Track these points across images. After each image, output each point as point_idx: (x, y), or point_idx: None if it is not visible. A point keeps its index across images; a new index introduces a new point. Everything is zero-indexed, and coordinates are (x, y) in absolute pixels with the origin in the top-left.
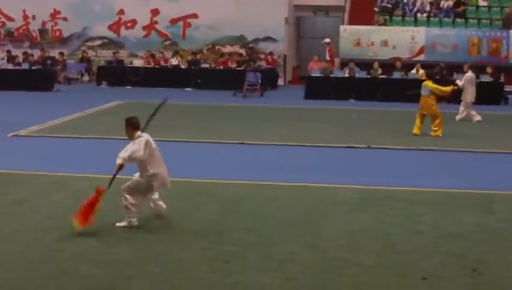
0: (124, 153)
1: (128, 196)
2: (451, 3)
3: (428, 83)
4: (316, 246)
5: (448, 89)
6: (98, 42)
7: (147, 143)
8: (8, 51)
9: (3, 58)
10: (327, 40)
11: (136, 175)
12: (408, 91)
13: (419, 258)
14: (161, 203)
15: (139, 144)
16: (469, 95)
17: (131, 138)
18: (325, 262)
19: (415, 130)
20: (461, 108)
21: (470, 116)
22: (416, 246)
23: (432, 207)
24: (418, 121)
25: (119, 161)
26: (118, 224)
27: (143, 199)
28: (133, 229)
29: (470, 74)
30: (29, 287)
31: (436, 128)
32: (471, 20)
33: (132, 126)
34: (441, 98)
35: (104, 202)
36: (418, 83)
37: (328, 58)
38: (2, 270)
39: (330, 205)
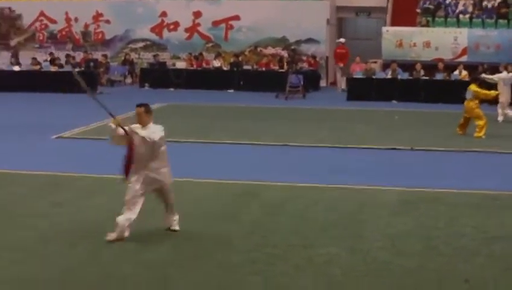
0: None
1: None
2: (494, 4)
3: (472, 87)
4: (358, 248)
5: (493, 93)
6: (141, 44)
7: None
8: (51, 53)
9: (46, 61)
10: (341, 40)
11: None
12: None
13: (461, 260)
14: (174, 218)
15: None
16: (503, 95)
17: (145, 123)
18: (366, 265)
19: (458, 129)
20: (499, 110)
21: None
22: (459, 248)
23: (475, 209)
24: (462, 121)
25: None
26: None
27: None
28: (175, 231)
29: (503, 74)
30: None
31: (479, 130)
32: None
33: (150, 111)
34: (483, 100)
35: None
36: (461, 84)
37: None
38: (43, 270)
39: (372, 207)
